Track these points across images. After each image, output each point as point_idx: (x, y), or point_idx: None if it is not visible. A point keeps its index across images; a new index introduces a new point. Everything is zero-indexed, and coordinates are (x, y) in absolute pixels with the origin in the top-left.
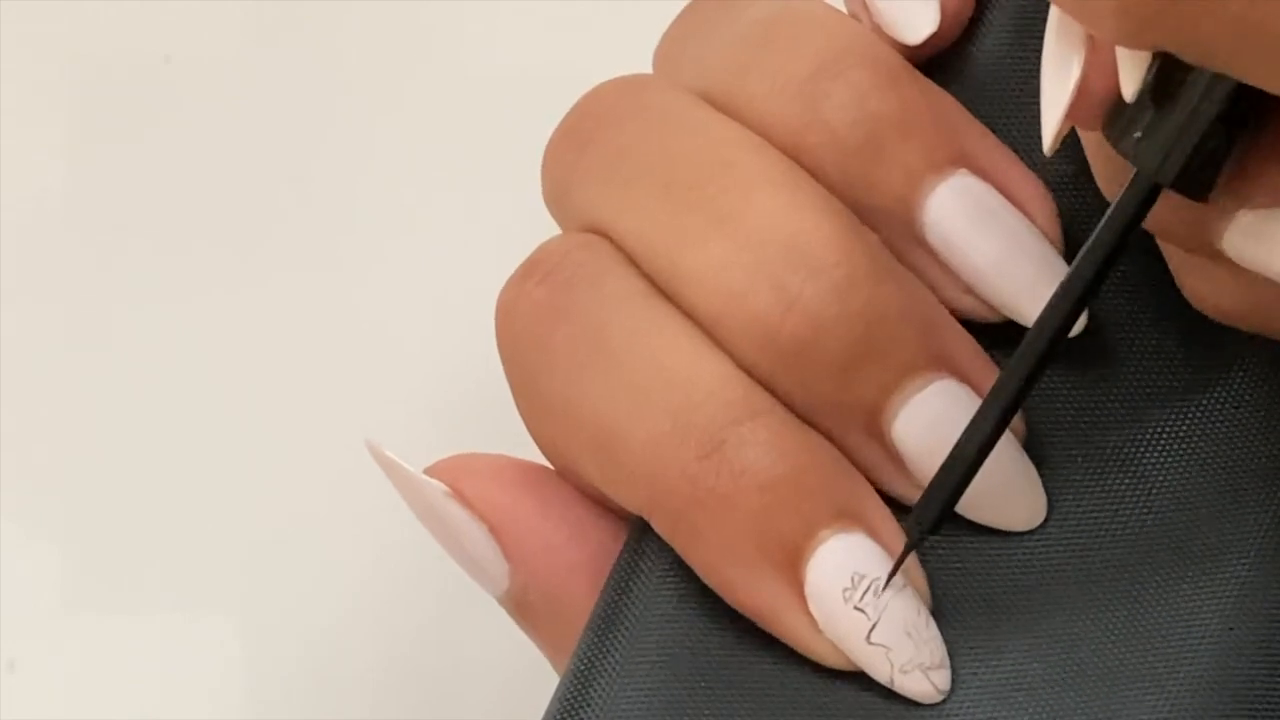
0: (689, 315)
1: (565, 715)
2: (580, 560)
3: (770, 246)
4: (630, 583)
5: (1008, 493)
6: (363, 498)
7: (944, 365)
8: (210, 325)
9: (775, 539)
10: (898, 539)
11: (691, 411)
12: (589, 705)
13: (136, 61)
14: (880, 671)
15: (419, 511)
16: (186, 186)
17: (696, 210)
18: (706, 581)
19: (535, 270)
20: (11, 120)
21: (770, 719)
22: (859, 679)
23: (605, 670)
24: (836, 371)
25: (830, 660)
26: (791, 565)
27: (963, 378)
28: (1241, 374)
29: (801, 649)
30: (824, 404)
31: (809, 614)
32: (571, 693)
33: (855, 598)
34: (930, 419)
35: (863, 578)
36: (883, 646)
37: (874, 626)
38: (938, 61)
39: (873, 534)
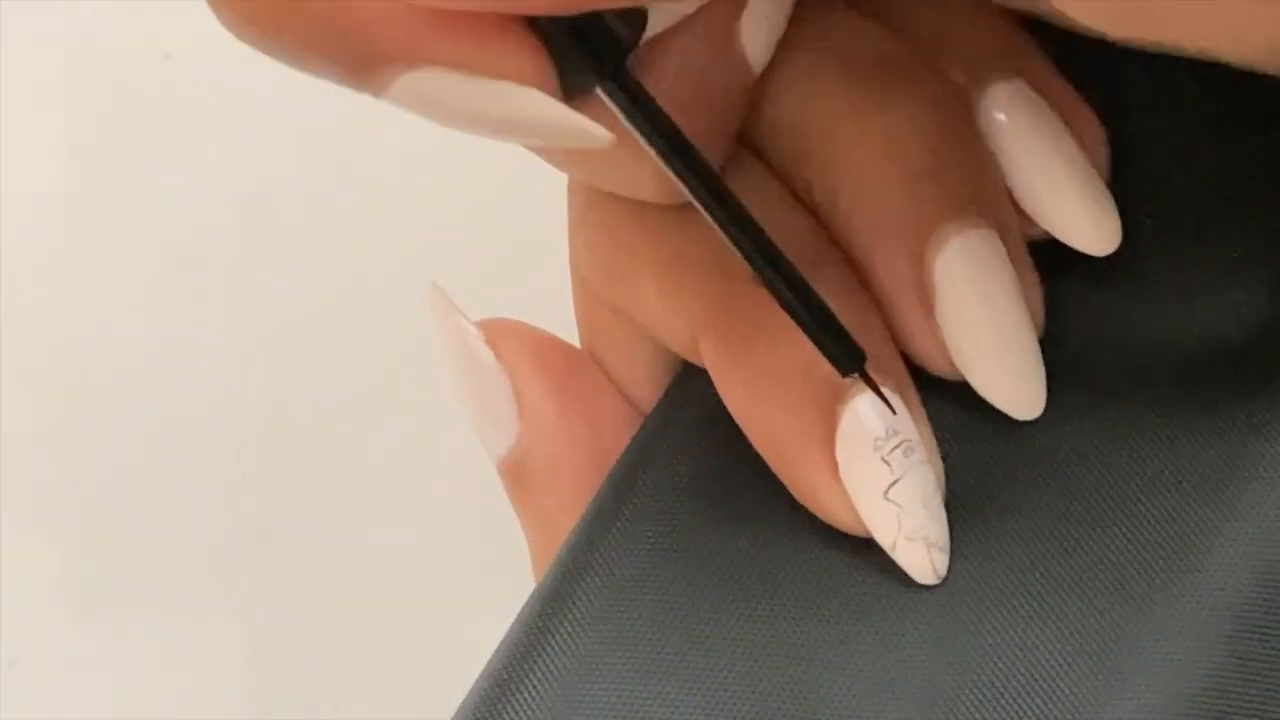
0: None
1: (552, 600)
2: (587, 437)
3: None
4: (640, 468)
5: (1014, 361)
6: (364, 498)
7: (995, 217)
8: (210, 325)
9: (825, 371)
10: (920, 409)
11: None
12: (579, 592)
13: (136, 60)
14: (886, 532)
15: (452, 352)
16: (186, 185)
17: None
18: (737, 409)
19: None
20: (11, 119)
21: (769, 614)
22: (855, 578)
23: (596, 562)
24: (910, 180)
25: (836, 512)
26: (830, 401)
27: (1004, 240)
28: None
29: (813, 497)
30: (889, 218)
31: (833, 456)
32: (562, 572)
33: (885, 449)
34: (972, 261)
35: (896, 433)
36: (896, 505)
37: (895, 482)
38: None
39: (901, 392)
